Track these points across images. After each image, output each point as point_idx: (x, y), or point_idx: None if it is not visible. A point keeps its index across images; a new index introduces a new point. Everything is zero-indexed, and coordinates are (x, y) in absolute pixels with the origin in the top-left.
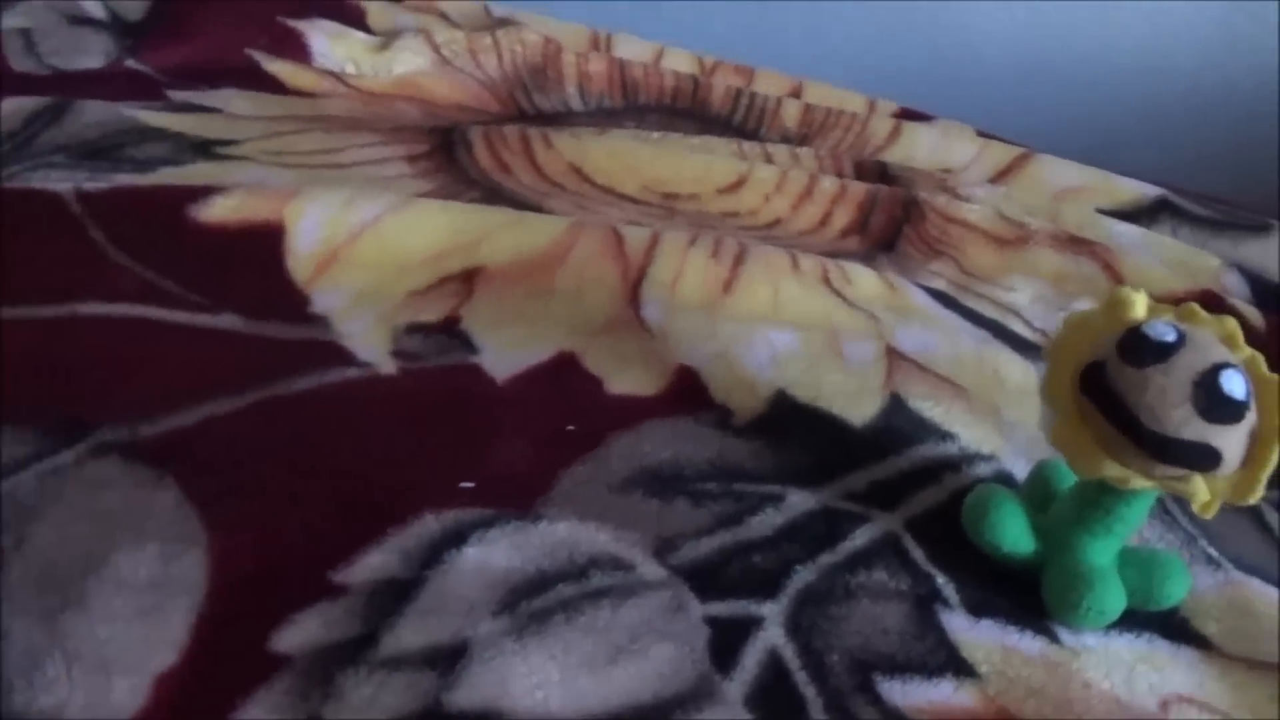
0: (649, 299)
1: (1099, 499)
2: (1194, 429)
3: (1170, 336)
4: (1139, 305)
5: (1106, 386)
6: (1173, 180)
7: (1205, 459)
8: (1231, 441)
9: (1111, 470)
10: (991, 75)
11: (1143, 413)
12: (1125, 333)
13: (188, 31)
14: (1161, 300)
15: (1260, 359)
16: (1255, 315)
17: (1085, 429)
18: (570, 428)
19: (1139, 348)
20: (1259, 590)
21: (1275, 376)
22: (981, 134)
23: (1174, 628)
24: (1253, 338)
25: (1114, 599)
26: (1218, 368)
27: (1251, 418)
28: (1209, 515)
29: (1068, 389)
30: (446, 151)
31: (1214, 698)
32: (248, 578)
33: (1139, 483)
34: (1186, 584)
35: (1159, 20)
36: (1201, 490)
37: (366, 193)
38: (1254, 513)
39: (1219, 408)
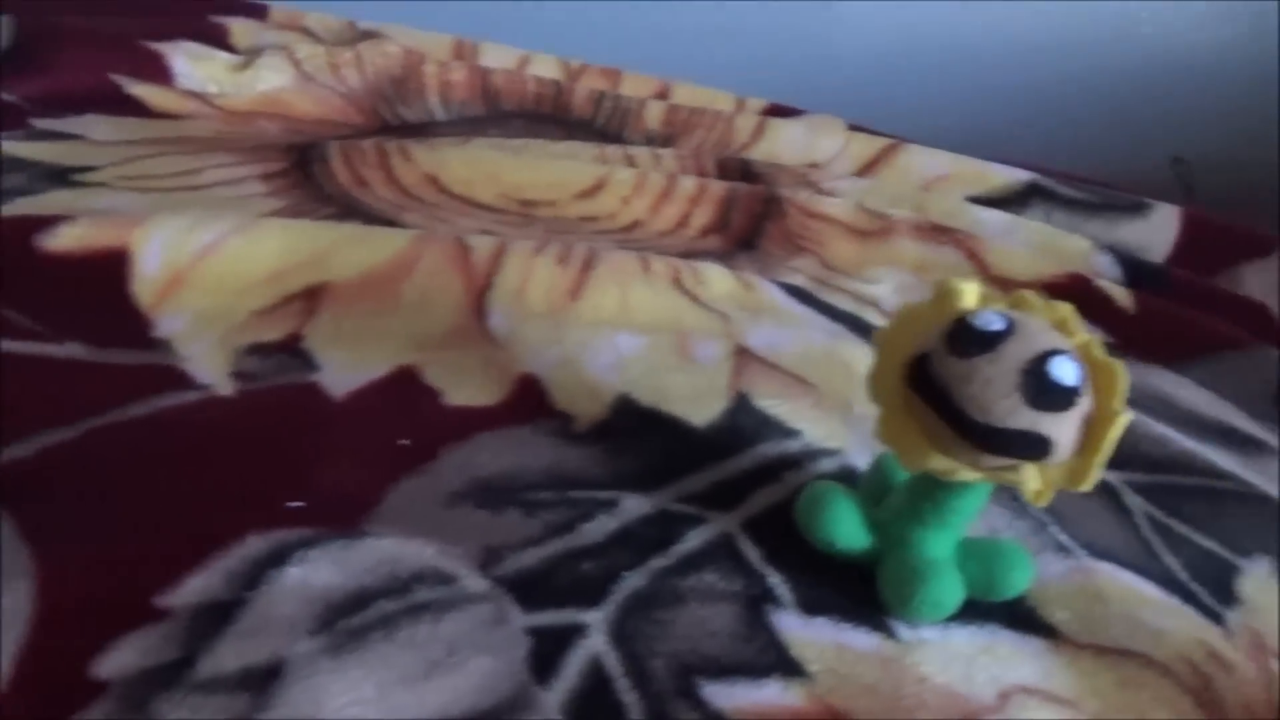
0: (494, 309)
1: (931, 492)
2: (1022, 418)
3: (997, 325)
4: (968, 295)
5: (932, 379)
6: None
7: (1035, 448)
8: (1063, 429)
9: (938, 463)
10: (875, 69)
11: (968, 404)
12: (952, 323)
13: (52, 59)
14: (1027, 285)
15: (1096, 343)
16: (1125, 296)
17: (911, 422)
18: (403, 442)
19: (965, 338)
20: (1110, 575)
21: (1112, 360)
22: (854, 127)
23: (1020, 618)
24: (1122, 319)
25: (949, 592)
26: (1047, 355)
27: (1085, 403)
28: (1041, 504)
29: (894, 382)
30: (303, 168)
31: (1059, 687)
32: (73, 607)
33: (966, 475)
34: (1030, 573)
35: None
36: (1032, 479)
37: (212, 214)
38: (1111, 495)
39: (1048, 395)
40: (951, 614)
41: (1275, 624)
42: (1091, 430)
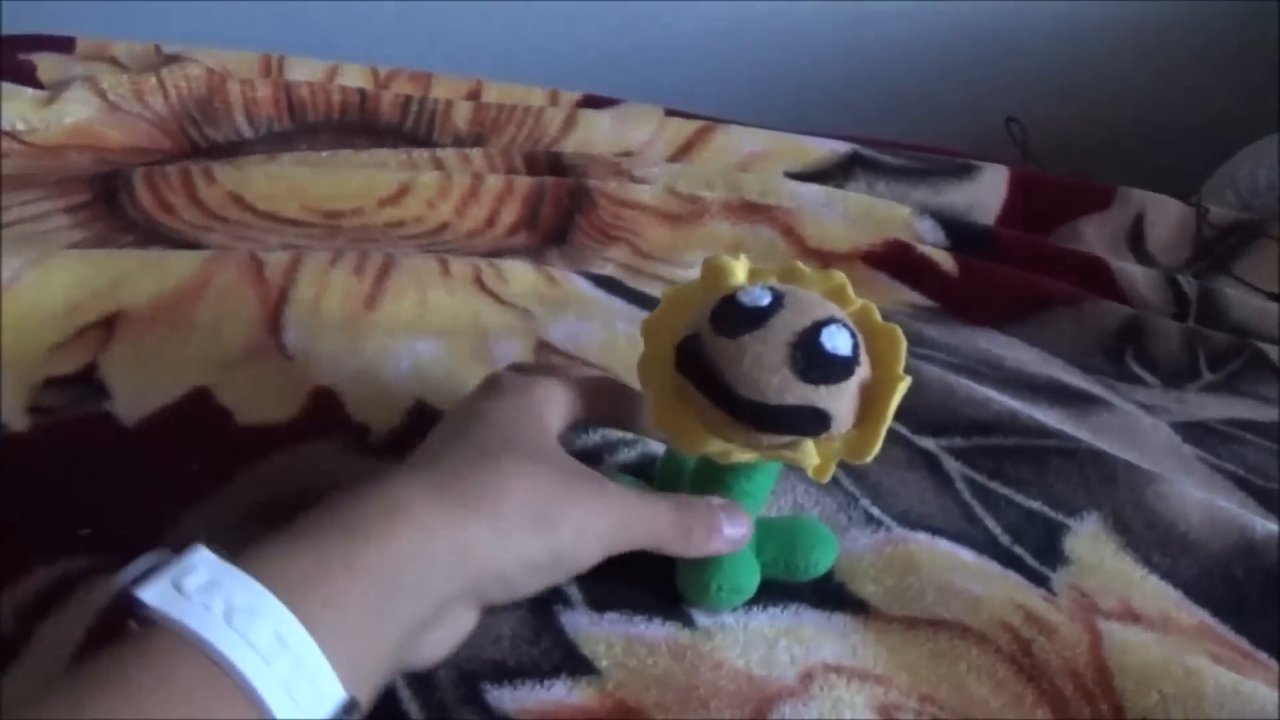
0: (290, 323)
1: (718, 475)
2: (795, 393)
3: (765, 300)
4: (737, 272)
5: (701, 360)
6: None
7: (811, 423)
8: (841, 400)
9: (714, 447)
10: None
11: (739, 383)
12: (718, 302)
13: None
14: (845, 257)
15: (873, 309)
16: (948, 260)
17: (685, 406)
18: (194, 467)
19: (731, 316)
20: (924, 544)
21: (890, 325)
22: (671, 112)
23: (828, 595)
24: (946, 282)
25: (746, 576)
26: (818, 326)
27: (862, 372)
28: (824, 480)
29: (664, 366)
30: (108, 198)
31: (868, 663)
32: None
33: (743, 456)
34: (833, 551)
35: None
36: (810, 455)
37: (8, 251)
38: (929, 462)
39: (820, 367)
40: (751, 597)
41: (1105, 582)
42: (872, 398)
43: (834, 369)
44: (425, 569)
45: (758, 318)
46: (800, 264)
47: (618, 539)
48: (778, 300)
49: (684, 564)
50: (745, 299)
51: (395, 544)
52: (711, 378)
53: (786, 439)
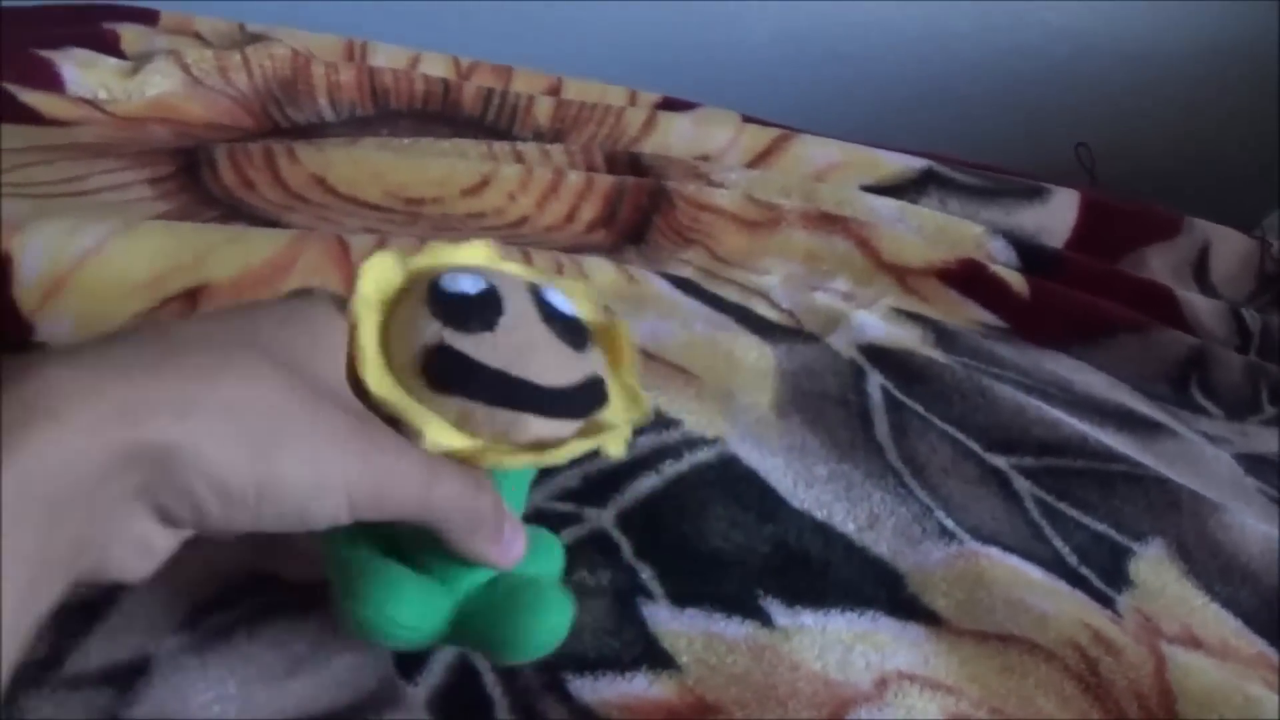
0: None
1: None
2: (578, 365)
3: (481, 284)
4: (397, 265)
5: (466, 364)
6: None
7: (601, 391)
8: (599, 361)
9: (502, 457)
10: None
11: (529, 373)
12: (442, 301)
13: None
14: (920, 272)
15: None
16: (1019, 281)
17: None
18: None
19: (465, 309)
20: (996, 559)
21: (567, 279)
22: (748, 119)
23: (901, 604)
24: (1017, 303)
25: (429, 615)
26: (540, 292)
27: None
28: (622, 452)
29: (402, 392)
30: (191, 172)
31: (940, 673)
32: None
33: (526, 459)
34: (553, 629)
35: None
36: (620, 430)
37: (92, 218)
38: (1000, 480)
39: (575, 332)
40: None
41: (1168, 606)
42: (610, 350)
43: (581, 330)
44: (72, 483)
45: (492, 303)
46: (436, 244)
47: (368, 496)
48: (486, 278)
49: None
50: (462, 288)
51: (28, 454)
52: (490, 379)
53: (580, 422)
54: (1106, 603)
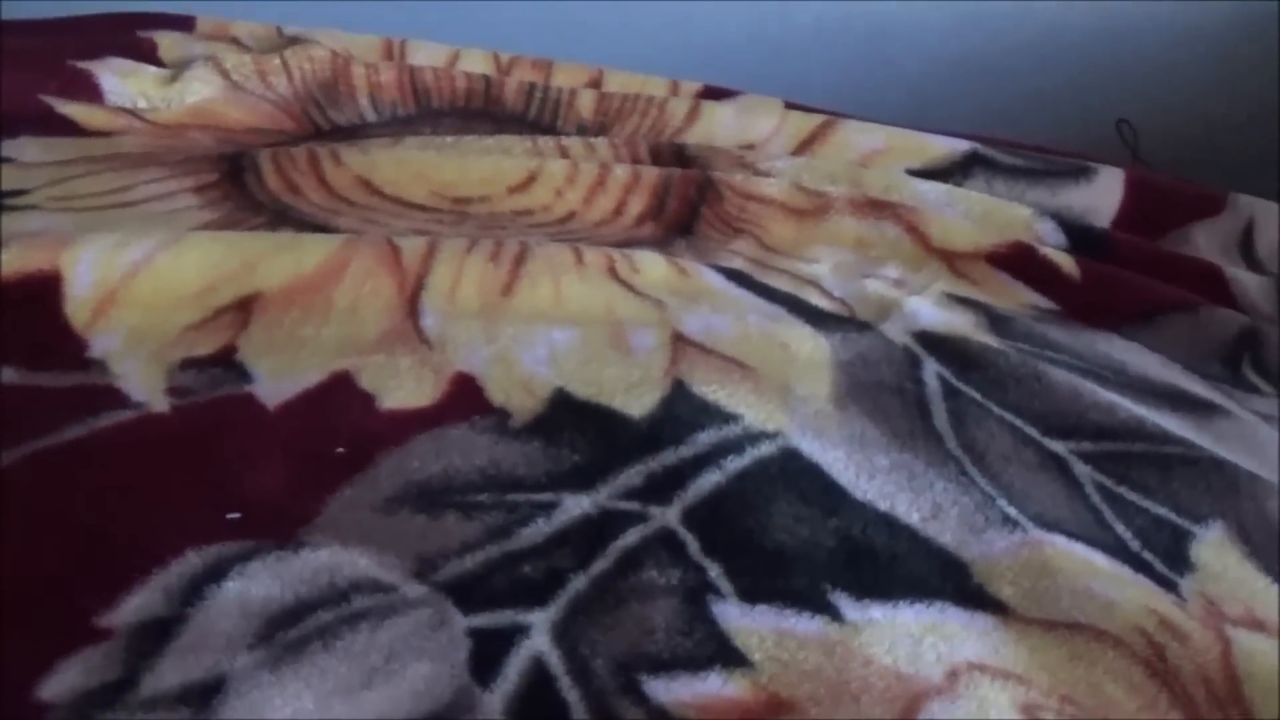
0: (427, 309)
1: None
2: None
3: None
4: None
5: None
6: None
7: None
8: None
9: None
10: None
11: None
12: None
13: None
14: (970, 256)
15: None
16: (1069, 263)
17: None
18: (340, 450)
19: None
20: (1060, 547)
21: None
22: (790, 105)
23: (968, 595)
24: (1068, 285)
25: None
26: None
27: None
28: None
29: None
30: (235, 178)
31: (1009, 663)
32: (16, 632)
33: None
34: None
35: None
36: None
37: (140, 231)
38: (1060, 465)
39: None
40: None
41: (1231, 589)
42: None
43: None
44: None
45: None
46: None
47: None
48: None
49: None
50: None
51: None
52: None
53: None
54: (1170, 587)
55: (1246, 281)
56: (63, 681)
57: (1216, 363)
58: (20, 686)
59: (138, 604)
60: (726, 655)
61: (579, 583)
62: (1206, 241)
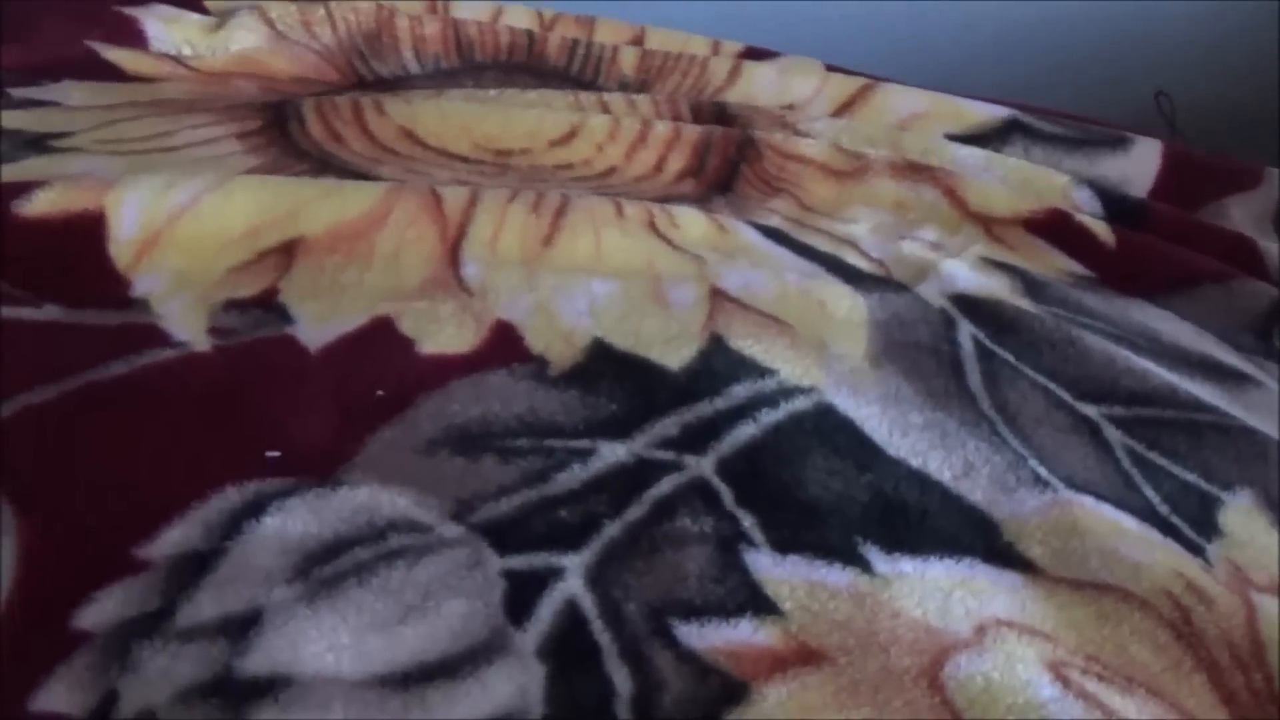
0: (468, 258)
1: None
2: None
3: None
4: None
5: None
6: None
7: None
8: None
9: None
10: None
11: None
12: None
13: (28, 30)
14: (1007, 222)
15: None
16: (1105, 231)
17: None
18: (380, 392)
19: None
20: (1090, 508)
21: None
22: (831, 67)
23: (998, 552)
24: (1103, 253)
25: None
26: None
27: None
28: None
29: None
30: (279, 126)
31: (1036, 620)
32: (56, 561)
33: None
34: None
35: None
36: None
37: (186, 174)
38: (1091, 429)
39: None
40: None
41: (1256, 556)
42: None
43: None
44: None
45: None
46: None
47: None
48: None
49: None
50: None
51: None
52: None
53: None
54: (1197, 552)
55: (1277, 254)
56: (102, 610)
57: (1248, 334)
58: (58, 615)
59: (177, 537)
60: (758, 603)
61: (613, 529)
62: (1241, 215)
